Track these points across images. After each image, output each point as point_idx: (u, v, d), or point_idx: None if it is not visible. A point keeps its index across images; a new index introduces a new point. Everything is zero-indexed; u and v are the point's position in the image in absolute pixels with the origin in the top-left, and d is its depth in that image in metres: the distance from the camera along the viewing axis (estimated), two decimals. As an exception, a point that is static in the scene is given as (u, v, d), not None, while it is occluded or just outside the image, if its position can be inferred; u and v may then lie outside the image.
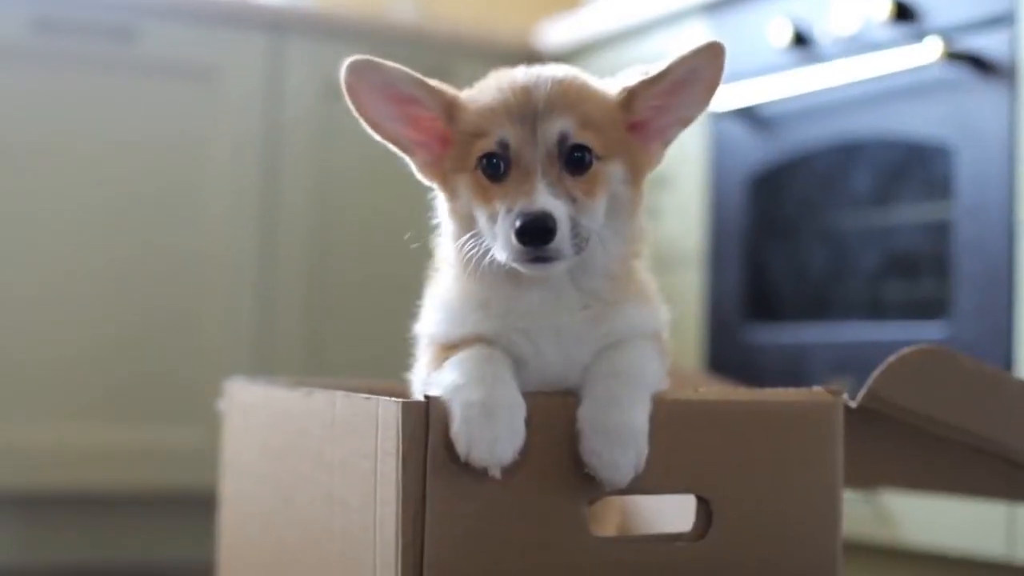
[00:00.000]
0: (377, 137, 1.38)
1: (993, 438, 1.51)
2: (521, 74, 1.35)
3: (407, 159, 1.40)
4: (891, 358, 1.44)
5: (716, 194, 3.02)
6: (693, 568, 1.36)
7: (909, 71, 2.52)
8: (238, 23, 3.31)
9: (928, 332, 2.47)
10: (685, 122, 1.42)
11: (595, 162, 1.31)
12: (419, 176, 1.40)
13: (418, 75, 1.36)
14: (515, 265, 1.26)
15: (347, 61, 1.34)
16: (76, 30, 3.13)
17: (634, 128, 1.38)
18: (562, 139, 1.29)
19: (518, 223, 1.23)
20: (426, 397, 1.24)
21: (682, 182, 3.09)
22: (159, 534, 3.20)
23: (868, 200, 2.74)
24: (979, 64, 2.40)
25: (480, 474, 1.22)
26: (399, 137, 1.38)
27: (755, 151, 2.93)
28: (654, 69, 1.37)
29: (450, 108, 1.36)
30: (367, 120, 1.37)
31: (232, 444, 1.82)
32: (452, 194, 1.35)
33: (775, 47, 2.85)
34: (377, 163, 3.49)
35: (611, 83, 1.39)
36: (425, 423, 1.22)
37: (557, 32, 3.59)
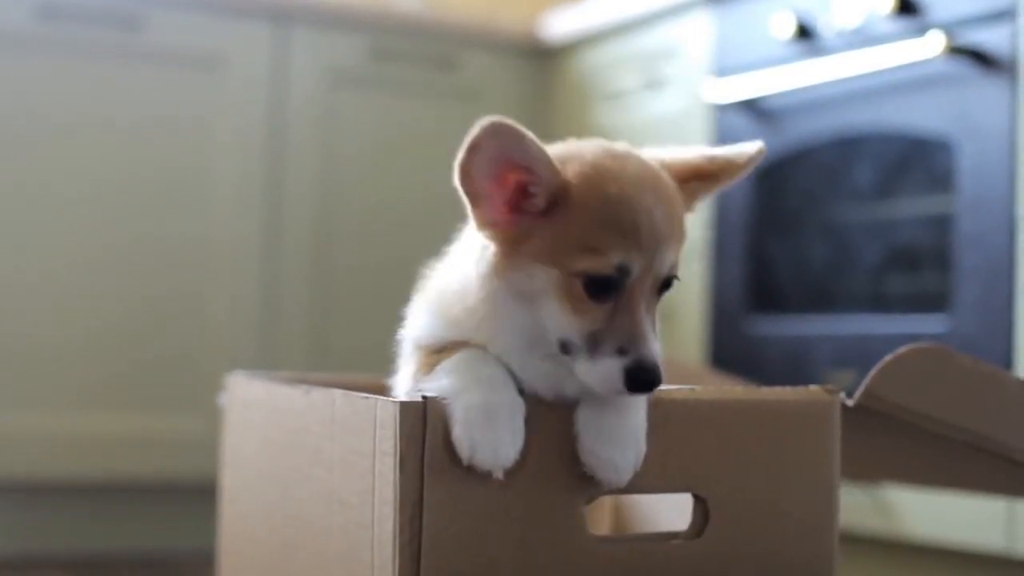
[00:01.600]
0: (457, 185, 1.24)
1: (991, 436, 1.51)
2: (635, 182, 1.25)
3: (470, 209, 1.27)
4: (888, 357, 1.44)
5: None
6: (690, 566, 1.36)
7: (911, 65, 2.52)
8: (244, 12, 3.31)
9: (929, 325, 2.47)
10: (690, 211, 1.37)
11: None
12: (475, 226, 1.28)
13: (546, 149, 1.24)
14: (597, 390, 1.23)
15: (489, 122, 1.19)
16: (81, 18, 3.13)
17: None
18: (671, 268, 1.26)
19: (631, 371, 1.20)
20: (423, 397, 1.24)
21: (685, 174, 3.08)
22: (162, 523, 3.21)
23: (870, 193, 2.74)
24: (981, 58, 2.40)
25: (483, 476, 1.22)
26: (481, 191, 1.24)
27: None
28: (708, 165, 1.36)
29: (561, 190, 1.24)
30: (465, 172, 1.23)
31: (232, 438, 1.83)
32: (517, 266, 1.25)
33: (778, 40, 2.85)
34: (381, 152, 3.53)
35: (664, 161, 1.34)
36: (423, 423, 1.23)
37: (562, 22, 3.58)
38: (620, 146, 1.31)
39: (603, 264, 1.21)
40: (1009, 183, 2.33)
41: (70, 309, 3.12)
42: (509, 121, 1.20)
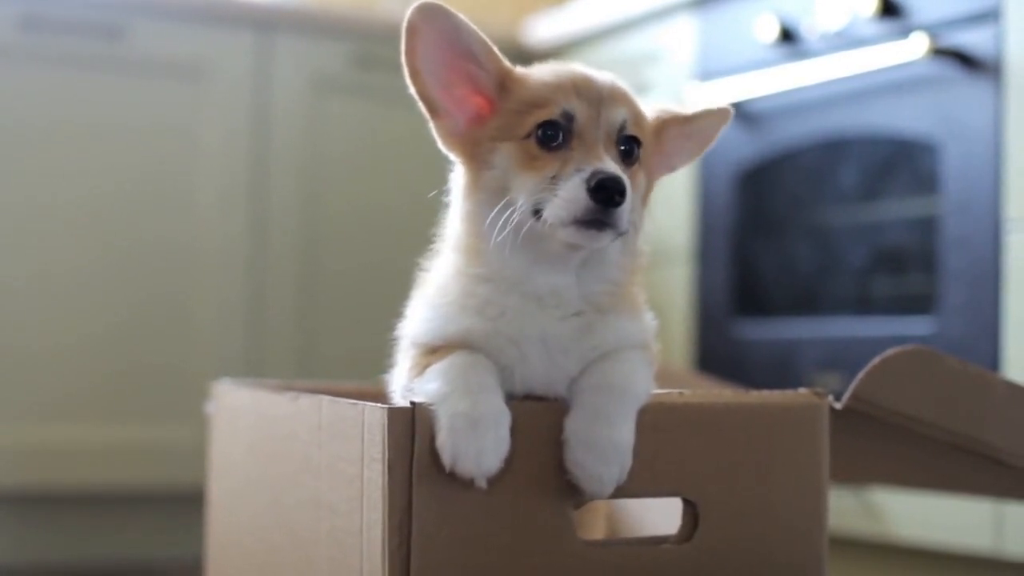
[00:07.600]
0: (411, 89, 1.35)
1: (978, 438, 1.51)
2: (579, 66, 1.37)
3: (431, 122, 1.37)
4: (875, 359, 1.44)
5: (704, 190, 3.02)
6: (680, 570, 1.36)
7: (895, 67, 2.53)
8: (226, 20, 3.30)
9: (915, 327, 2.48)
10: (672, 169, 1.48)
11: (639, 160, 1.35)
12: (440, 143, 1.38)
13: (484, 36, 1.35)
14: (568, 230, 1.25)
15: (422, 3, 1.32)
16: (65, 28, 3.12)
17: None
18: (622, 126, 1.32)
19: (593, 181, 1.23)
20: (412, 404, 1.23)
21: (670, 178, 3.07)
22: (149, 531, 3.20)
23: (855, 196, 2.74)
24: (965, 60, 2.41)
25: (466, 484, 1.22)
26: (435, 95, 1.36)
27: (743, 147, 2.93)
28: (681, 110, 1.44)
29: (505, 77, 1.35)
30: (412, 67, 1.34)
31: (220, 446, 1.82)
32: (483, 165, 1.33)
33: (762, 43, 2.85)
34: (365, 158, 3.52)
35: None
36: (411, 430, 1.22)
37: (545, 28, 3.58)
38: None
39: (549, 111, 1.30)
40: (994, 184, 2.34)
41: (56, 319, 3.11)
42: (442, 4, 1.32)
